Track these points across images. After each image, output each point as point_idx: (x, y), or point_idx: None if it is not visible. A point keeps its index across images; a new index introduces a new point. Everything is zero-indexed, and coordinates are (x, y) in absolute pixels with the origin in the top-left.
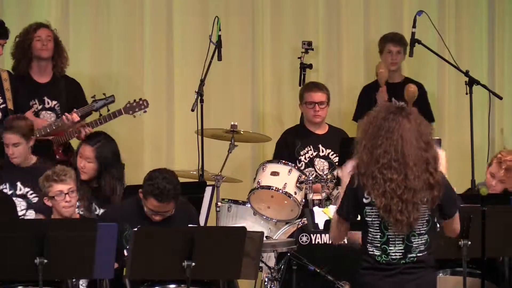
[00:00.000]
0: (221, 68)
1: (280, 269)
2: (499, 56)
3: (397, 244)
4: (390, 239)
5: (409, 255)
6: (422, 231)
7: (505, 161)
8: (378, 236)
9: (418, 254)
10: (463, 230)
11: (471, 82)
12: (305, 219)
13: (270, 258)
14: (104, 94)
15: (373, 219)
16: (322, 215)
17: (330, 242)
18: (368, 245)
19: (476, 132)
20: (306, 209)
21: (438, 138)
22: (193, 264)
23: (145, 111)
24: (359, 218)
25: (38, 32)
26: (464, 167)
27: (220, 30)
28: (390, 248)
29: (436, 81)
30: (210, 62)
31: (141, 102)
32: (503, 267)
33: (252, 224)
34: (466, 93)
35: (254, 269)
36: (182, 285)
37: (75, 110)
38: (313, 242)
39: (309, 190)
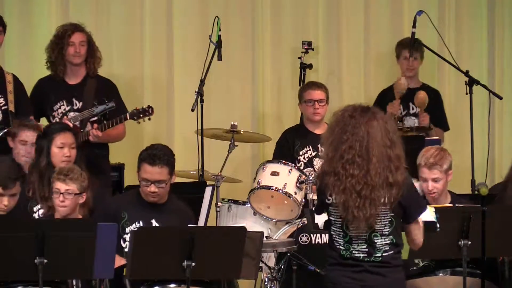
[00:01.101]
0: (221, 68)
1: (280, 269)
2: (499, 56)
3: (360, 243)
4: (353, 239)
5: (374, 255)
6: (385, 232)
7: None
8: (341, 236)
9: (384, 254)
10: (463, 230)
11: (471, 82)
12: (305, 219)
13: (270, 258)
14: (104, 99)
15: (336, 219)
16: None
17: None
18: (334, 242)
19: (476, 132)
20: (306, 209)
21: (438, 138)
22: (193, 264)
23: (149, 119)
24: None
25: (72, 38)
26: (464, 167)
27: (220, 30)
28: (353, 246)
29: (436, 81)
30: (210, 62)
31: (147, 109)
32: (503, 267)
33: (252, 224)
34: (466, 93)
35: (254, 269)
36: (182, 285)
37: (67, 117)
38: (313, 242)
39: (309, 190)
